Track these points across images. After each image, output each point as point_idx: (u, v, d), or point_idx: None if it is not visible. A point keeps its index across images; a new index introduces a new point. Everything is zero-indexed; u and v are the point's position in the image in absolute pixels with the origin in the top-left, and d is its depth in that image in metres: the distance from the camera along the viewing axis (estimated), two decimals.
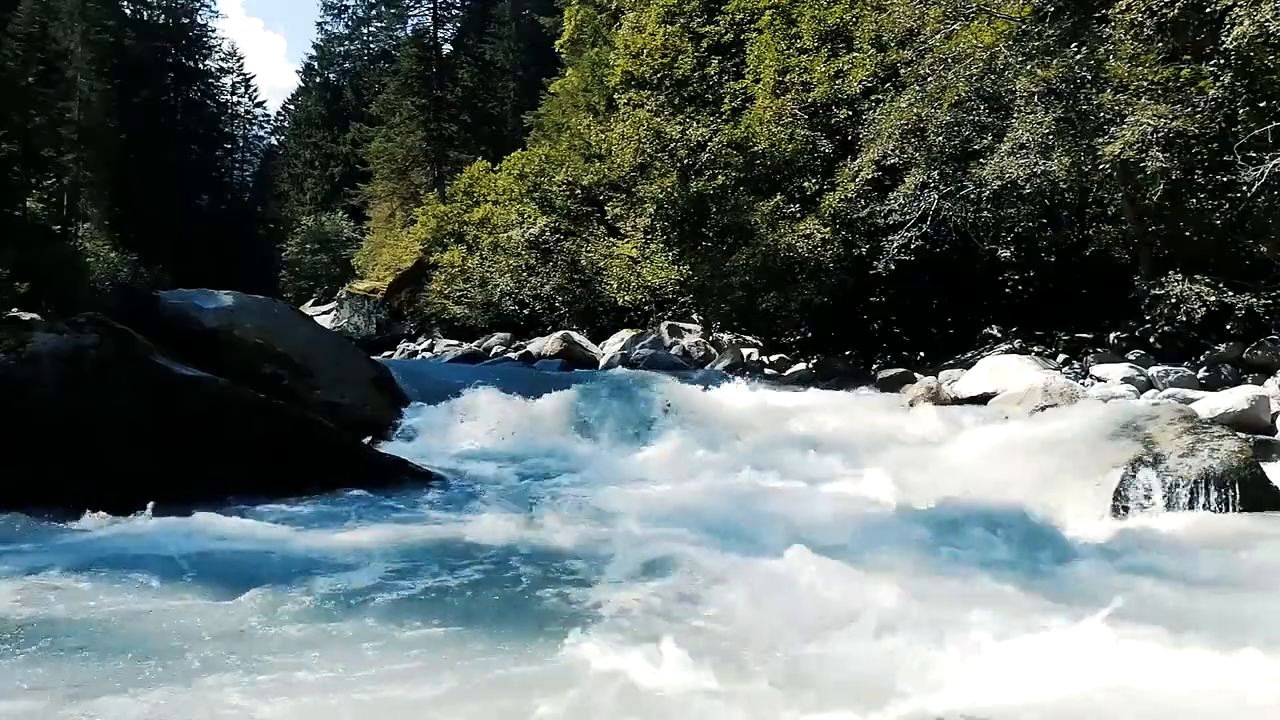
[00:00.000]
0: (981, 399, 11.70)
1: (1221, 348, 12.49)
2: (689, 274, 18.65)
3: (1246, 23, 10.79)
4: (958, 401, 11.96)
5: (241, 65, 58.45)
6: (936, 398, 12.22)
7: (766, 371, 16.52)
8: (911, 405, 11.98)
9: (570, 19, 32.97)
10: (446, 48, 45.48)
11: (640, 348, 18.04)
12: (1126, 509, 6.73)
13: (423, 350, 27.10)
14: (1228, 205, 12.38)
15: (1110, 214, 14.29)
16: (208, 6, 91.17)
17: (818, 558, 5.32)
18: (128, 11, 48.44)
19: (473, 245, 27.77)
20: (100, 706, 3.31)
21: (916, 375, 13.89)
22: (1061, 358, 13.81)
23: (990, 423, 9.82)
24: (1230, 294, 12.13)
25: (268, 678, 3.57)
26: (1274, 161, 11.05)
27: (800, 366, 16.65)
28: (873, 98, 16.99)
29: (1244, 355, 12.19)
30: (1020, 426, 8.92)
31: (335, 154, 50.10)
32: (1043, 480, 7.18)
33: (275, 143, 62.96)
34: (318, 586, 4.76)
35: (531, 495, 7.63)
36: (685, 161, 18.78)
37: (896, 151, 15.46)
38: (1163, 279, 12.53)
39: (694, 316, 19.84)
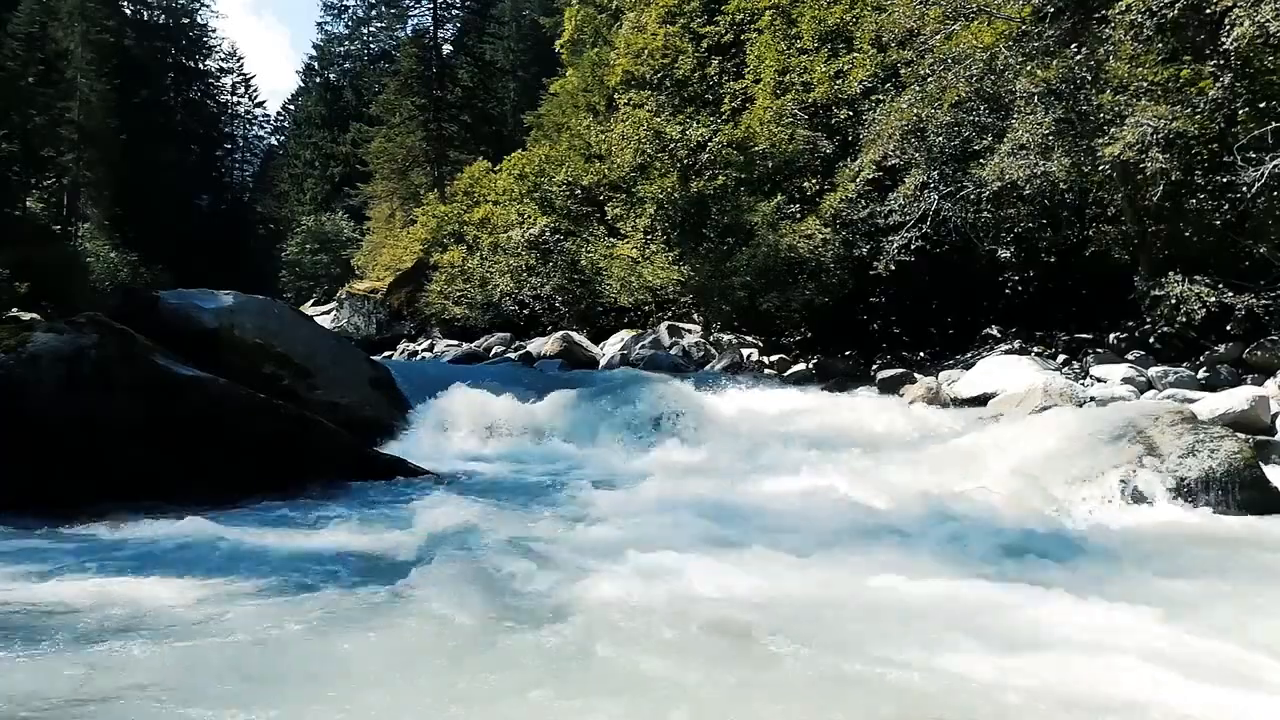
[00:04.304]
0: (981, 399, 11.70)
1: (1221, 348, 12.49)
2: (689, 274, 18.65)
3: (1246, 23, 10.79)
4: (957, 402, 11.97)
5: (241, 65, 58.62)
6: (936, 398, 12.23)
7: (766, 372, 16.51)
8: (911, 405, 11.98)
9: (570, 19, 32.97)
10: (446, 48, 45.49)
11: (640, 348, 18.04)
12: (1126, 509, 6.73)
13: (423, 350, 27.10)
14: (1227, 206, 12.37)
15: (1110, 214, 14.29)
16: (208, 6, 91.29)
17: (815, 556, 5.33)
18: (128, 11, 48.52)
19: (473, 245, 27.78)
20: (105, 706, 3.31)
21: (916, 375, 13.90)
22: (1061, 358, 13.82)
23: (989, 423, 9.81)
24: (1230, 294, 12.13)
25: (270, 674, 3.57)
26: (1274, 162, 11.05)
27: (800, 367, 16.64)
28: (873, 98, 16.99)
29: (1244, 356, 12.19)
30: (1019, 427, 8.91)
31: (335, 154, 50.11)
32: (1042, 480, 7.18)
33: (275, 143, 63.05)
34: (318, 583, 4.77)
35: (528, 494, 7.63)
36: (685, 161, 18.78)
37: (897, 152, 15.46)
38: (1163, 279, 12.53)
39: (694, 317, 19.84)
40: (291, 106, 61.32)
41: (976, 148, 14.60)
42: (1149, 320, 13.05)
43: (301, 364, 10.64)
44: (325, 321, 30.73)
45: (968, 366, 13.45)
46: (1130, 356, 13.02)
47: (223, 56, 55.88)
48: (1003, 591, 4.65)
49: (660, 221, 19.04)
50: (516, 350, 21.94)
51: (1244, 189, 11.51)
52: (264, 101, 79.09)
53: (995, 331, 15.56)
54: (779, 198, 17.89)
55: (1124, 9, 12.34)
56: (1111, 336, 13.98)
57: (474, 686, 3.50)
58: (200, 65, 53.99)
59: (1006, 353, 14.04)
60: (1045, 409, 10.03)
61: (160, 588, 4.70)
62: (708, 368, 16.74)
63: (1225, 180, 12.11)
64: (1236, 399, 9.81)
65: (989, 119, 14.45)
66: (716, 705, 3.35)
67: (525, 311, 25.15)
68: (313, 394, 10.08)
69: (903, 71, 15.74)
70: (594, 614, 4.27)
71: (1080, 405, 10.35)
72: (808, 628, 4.02)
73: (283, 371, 10.28)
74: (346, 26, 59.48)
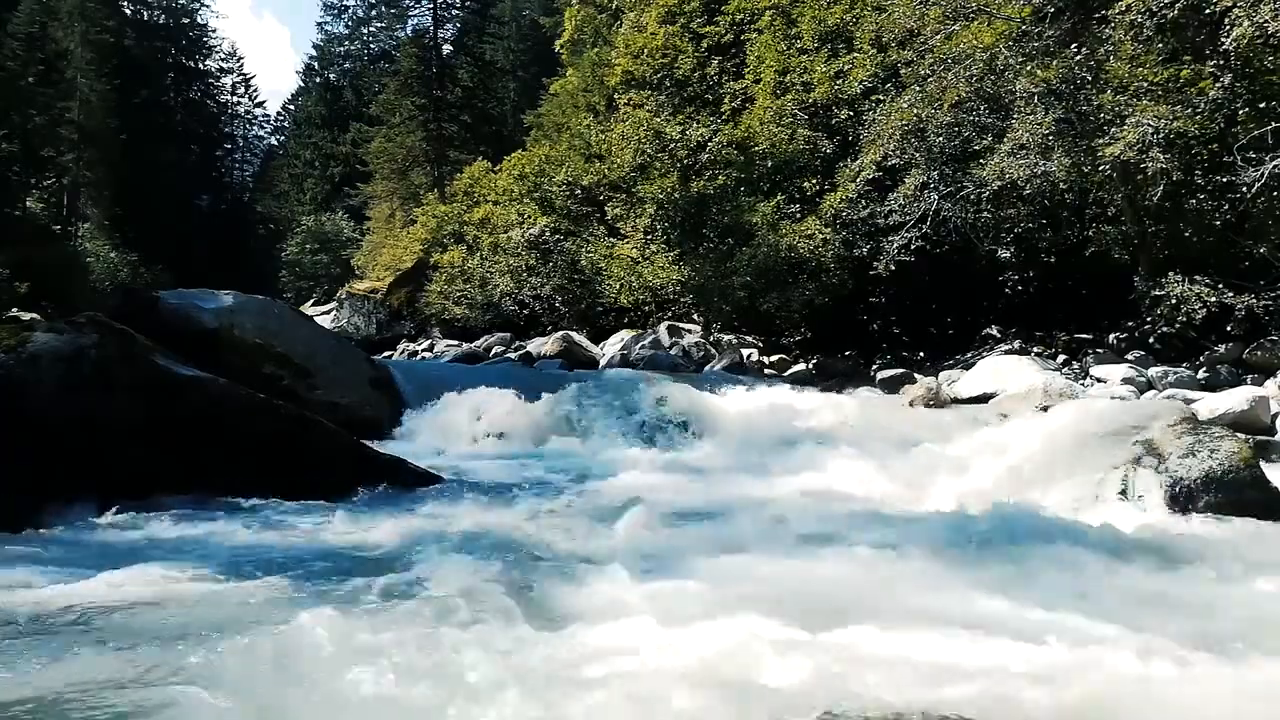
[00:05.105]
0: (981, 399, 11.71)
1: (1221, 348, 12.49)
2: (689, 274, 18.65)
3: (1246, 24, 10.80)
4: (957, 402, 11.97)
5: (241, 65, 58.65)
6: (936, 398, 12.23)
7: (766, 372, 16.52)
8: (911, 405, 11.99)
9: (570, 19, 32.99)
10: (446, 48, 45.50)
11: (640, 348, 18.03)
12: (1125, 509, 6.73)
13: (423, 350, 27.09)
14: (1227, 206, 12.38)
15: (1110, 214, 14.30)
16: (207, 6, 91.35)
17: (812, 555, 5.34)
18: (128, 11, 48.56)
19: (473, 245, 27.77)
20: (99, 705, 3.31)
21: (916, 375, 13.90)
22: (1061, 358, 13.83)
23: (989, 423, 9.82)
24: (1230, 295, 12.14)
25: (262, 675, 3.57)
26: (1274, 162, 11.06)
27: (800, 367, 16.65)
28: (873, 98, 17.00)
29: (1244, 356, 12.20)
30: (1019, 427, 8.92)
31: (335, 154, 50.13)
32: (1040, 480, 7.18)
33: (275, 143, 63.09)
34: (316, 584, 4.77)
35: (528, 494, 7.63)
36: (685, 161, 18.79)
37: (897, 152, 15.47)
38: (1163, 279, 12.54)
39: (694, 317, 19.84)
40: (291, 106, 61.37)
41: (976, 148, 14.62)
42: (1149, 320, 13.05)
43: (301, 364, 10.65)
44: (325, 321, 30.72)
45: (968, 366, 13.46)
46: (1130, 356, 13.02)
47: (223, 56, 55.97)
48: (998, 592, 4.65)
49: (660, 221, 19.03)
50: (516, 350, 21.93)
51: (1244, 189, 11.52)
52: (264, 101, 79.15)
53: (995, 331, 15.56)
54: (779, 198, 17.89)
55: (1124, 9, 12.35)
56: (1111, 336, 13.98)
57: (465, 691, 3.50)
58: (200, 65, 54.04)
59: (1006, 353, 14.04)
60: (1045, 409, 10.04)
61: (159, 588, 4.70)
62: (708, 368, 16.73)
63: (1225, 180, 12.12)
64: (1236, 399, 9.82)
65: (989, 119, 14.46)
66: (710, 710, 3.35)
67: (525, 311, 25.14)
68: (313, 394, 10.09)
69: (903, 71, 15.75)
70: (592, 618, 4.27)
71: (1080, 405, 10.34)
72: (802, 626, 4.02)
73: (283, 371, 10.29)
74: (346, 26, 59.54)
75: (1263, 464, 7.26)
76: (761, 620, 4.11)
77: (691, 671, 3.56)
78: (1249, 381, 11.29)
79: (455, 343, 25.88)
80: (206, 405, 7.23)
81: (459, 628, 4.13)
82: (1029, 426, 8.61)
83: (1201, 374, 11.92)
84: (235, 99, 58.17)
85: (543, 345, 20.92)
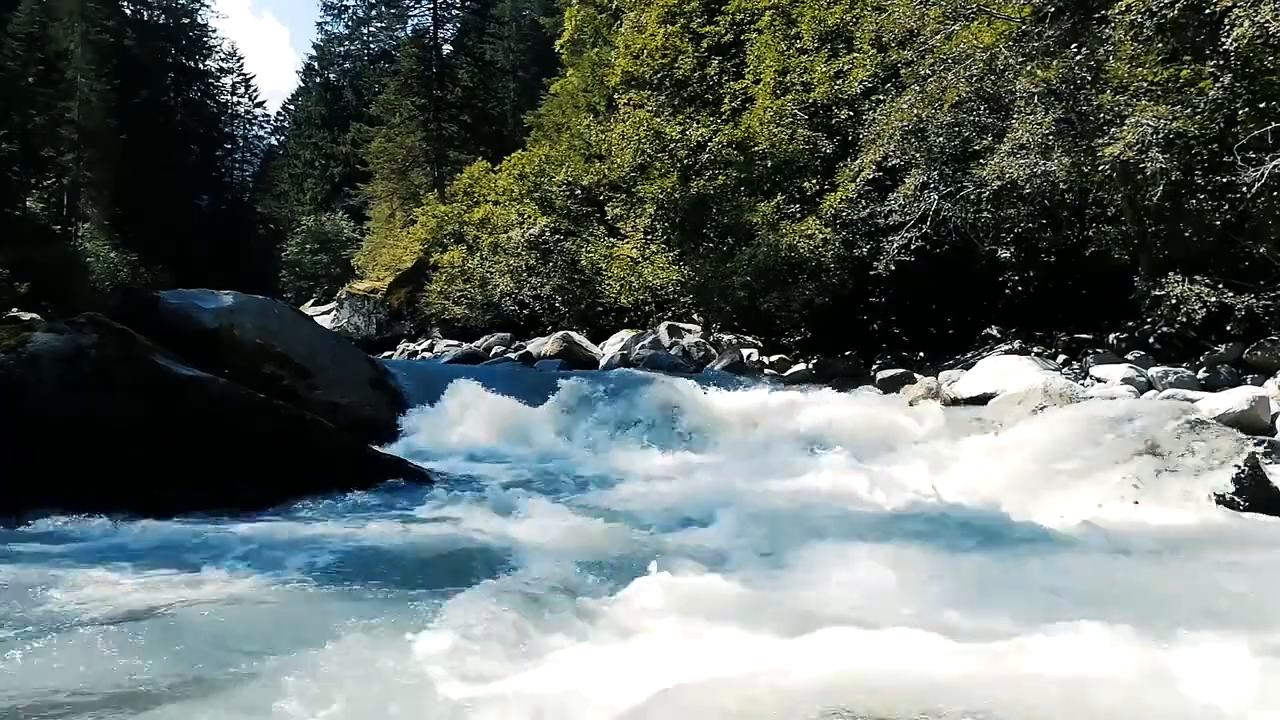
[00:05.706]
0: (981, 399, 11.69)
1: (1221, 348, 12.48)
2: (689, 274, 18.64)
3: (1246, 24, 10.79)
4: (957, 402, 11.96)
5: (241, 65, 58.63)
6: (936, 398, 12.23)
7: (766, 372, 16.51)
8: (911, 405, 11.99)
9: (570, 19, 32.97)
10: (446, 48, 45.46)
11: (640, 348, 18.03)
12: (1125, 508, 6.73)
13: (423, 351, 27.09)
14: (1227, 206, 12.37)
15: (1110, 214, 14.28)
16: (208, 6, 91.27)
17: (808, 556, 5.34)
18: (128, 11, 48.49)
19: (473, 245, 27.77)
20: (94, 702, 3.31)
21: (916, 375, 13.89)
22: (1061, 358, 13.81)
23: (989, 423, 9.82)
24: (1230, 294, 12.12)
25: (265, 671, 3.57)
26: (1274, 162, 11.05)
27: (800, 367, 16.64)
28: (873, 98, 16.99)
29: (1244, 356, 12.19)
30: (1019, 426, 8.92)
31: (335, 154, 50.10)
32: (1041, 480, 7.18)
33: (275, 143, 63.08)
34: (314, 583, 4.78)
35: (527, 495, 7.62)
36: (685, 162, 18.78)
37: (897, 152, 15.45)
38: (1163, 279, 12.53)
39: (694, 317, 19.83)
40: (291, 106, 61.34)
41: (976, 148, 14.60)
42: (1149, 320, 13.04)
43: (301, 364, 10.65)
44: (325, 321, 30.72)
45: (968, 366, 13.44)
46: (1130, 356, 13.01)
47: (223, 56, 55.94)
48: (995, 592, 4.65)
49: (660, 221, 19.03)
50: (516, 350, 21.92)
51: (1244, 189, 11.50)
52: (264, 101, 79.13)
53: (995, 331, 15.55)
54: (779, 198, 17.88)
55: (1124, 9, 12.34)
56: (1111, 336, 13.97)
57: (453, 689, 3.50)
58: (200, 65, 54.01)
59: (1006, 353, 14.03)
60: (1045, 409, 10.03)
61: (156, 586, 4.71)
62: (708, 368, 16.73)
63: (1225, 180, 12.10)
64: (1236, 399, 9.80)
65: (989, 119, 14.45)
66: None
67: (525, 311, 25.14)
68: (313, 394, 10.09)
69: (903, 72, 15.73)
70: (588, 619, 4.27)
71: (1080, 404, 10.34)
72: (795, 624, 4.02)
73: (283, 371, 10.30)
74: (346, 26, 59.50)
75: (1263, 464, 7.27)
76: (761, 624, 4.12)
77: (685, 675, 3.56)
78: (1249, 381, 11.27)
79: (455, 343, 25.87)
80: (206, 405, 7.24)
81: (456, 627, 4.13)
82: (1029, 427, 8.61)
83: (1201, 374, 11.91)
84: (235, 99, 58.18)
85: (543, 345, 20.91)
